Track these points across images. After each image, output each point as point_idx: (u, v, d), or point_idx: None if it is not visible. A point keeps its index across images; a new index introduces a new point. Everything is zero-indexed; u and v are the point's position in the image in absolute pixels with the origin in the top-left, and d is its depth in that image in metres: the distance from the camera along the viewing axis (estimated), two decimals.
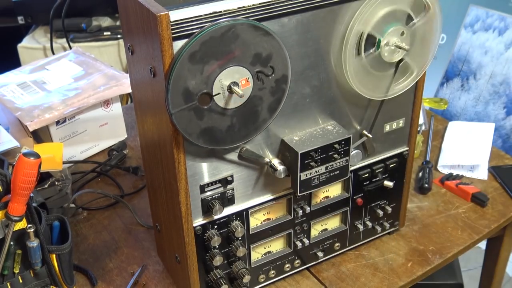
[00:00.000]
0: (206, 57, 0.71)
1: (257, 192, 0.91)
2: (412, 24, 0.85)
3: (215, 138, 0.79)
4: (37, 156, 0.80)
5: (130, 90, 1.29)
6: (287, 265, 1.00)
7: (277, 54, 0.77)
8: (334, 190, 0.99)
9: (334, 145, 0.87)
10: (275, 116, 0.82)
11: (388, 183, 1.03)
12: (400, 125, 0.99)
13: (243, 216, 0.91)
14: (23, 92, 1.35)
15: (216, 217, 0.88)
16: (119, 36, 2.00)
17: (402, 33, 0.85)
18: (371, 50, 0.85)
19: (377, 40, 0.84)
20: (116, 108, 1.40)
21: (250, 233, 0.93)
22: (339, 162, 0.89)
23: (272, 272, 0.99)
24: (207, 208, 0.87)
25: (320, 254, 1.03)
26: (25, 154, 0.79)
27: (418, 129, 1.31)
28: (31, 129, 1.24)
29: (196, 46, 0.70)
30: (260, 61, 0.76)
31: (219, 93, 0.75)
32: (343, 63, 0.84)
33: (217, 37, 0.71)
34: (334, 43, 0.83)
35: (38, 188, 1.13)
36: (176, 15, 0.70)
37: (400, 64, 0.89)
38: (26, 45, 2.01)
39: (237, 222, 0.90)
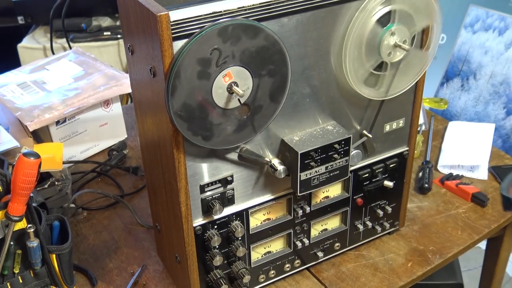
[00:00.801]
0: (206, 57, 0.71)
1: (257, 192, 0.91)
2: (412, 23, 0.85)
3: (215, 138, 0.79)
4: (37, 156, 0.80)
5: (130, 90, 1.29)
6: (287, 265, 1.00)
7: (277, 54, 0.77)
8: (334, 190, 0.99)
9: (334, 145, 0.87)
10: (275, 116, 0.82)
11: (388, 183, 1.03)
12: (400, 125, 0.99)
13: (243, 216, 0.91)
14: (23, 92, 1.35)
15: (216, 217, 0.88)
16: (119, 36, 2.00)
17: (394, 33, 0.85)
18: (371, 52, 0.85)
19: (377, 42, 0.84)
20: (116, 108, 1.40)
21: (250, 233, 0.93)
22: (339, 162, 0.89)
23: (272, 272, 0.99)
24: (207, 208, 0.87)
25: (320, 254, 1.03)
26: (25, 154, 0.79)
27: (418, 129, 1.31)
28: (31, 129, 1.24)
29: (196, 46, 0.70)
30: (260, 61, 0.76)
31: (219, 89, 0.75)
32: (343, 63, 0.84)
33: (217, 37, 0.71)
34: (334, 43, 0.83)
35: (38, 188, 1.13)
36: (176, 15, 0.70)
37: (401, 64, 0.89)
38: (26, 45, 2.01)
39: (237, 222, 0.90)
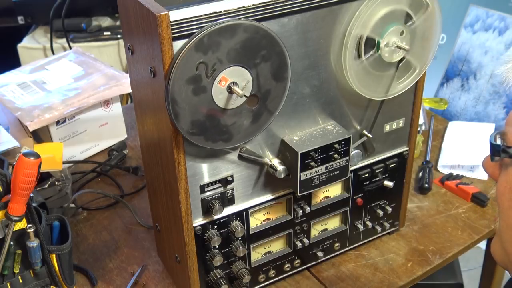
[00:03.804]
0: (205, 57, 0.71)
1: (257, 192, 0.91)
2: (411, 22, 0.85)
3: (215, 138, 0.79)
4: (37, 156, 0.80)
5: (130, 90, 1.28)
6: (287, 265, 1.00)
7: (277, 54, 0.77)
8: (334, 190, 0.99)
9: (334, 145, 0.87)
10: (275, 116, 0.82)
11: (388, 183, 1.03)
12: (400, 125, 0.99)
13: (243, 216, 0.91)
14: (23, 92, 1.35)
15: (216, 217, 0.88)
16: (119, 36, 2.00)
17: (402, 33, 0.85)
18: (371, 52, 0.85)
19: (376, 42, 0.84)
20: (116, 108, 1.40)
21: (250, 233, 0.93)
22: (339, 162, 0.89)
23: (272, 272, 0.99)
24: (207, 208, 0.87)
25: (320, 254, 1.03)
26: (25, 154, 0.79)
27: (418, 129, 1.31)
28: (31, 129, 1.24)
29: (196, 46, 0.70)
30: (260, 61, 0.76)
31: (220, 94, 0.75)
32: (343, 63, 0.84)
33: (217, 37, 0.71)
34: (334, 43, 0.83)
35: (38, 188, 1.13)
36: (176, 15, 0.70)
37: (401, 64, 0.89)
38: (26, 45, 2.01)
39: (237, 222, 0.90)
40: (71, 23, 1.98)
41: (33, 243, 0.85)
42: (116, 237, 1.14)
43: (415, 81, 0.93)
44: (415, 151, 1.30)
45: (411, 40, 0.86)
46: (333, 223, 1.03)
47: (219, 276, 0.93)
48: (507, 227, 0.63)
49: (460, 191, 1.22)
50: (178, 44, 0.71)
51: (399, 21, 0.84)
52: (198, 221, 0.87)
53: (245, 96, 0.77)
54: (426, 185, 1.22)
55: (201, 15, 0.71)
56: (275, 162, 0.87)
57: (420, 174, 1.26)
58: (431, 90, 1.69)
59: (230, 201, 0.89)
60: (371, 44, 0.84)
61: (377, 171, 1.01)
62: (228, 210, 0.89)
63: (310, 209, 0.97)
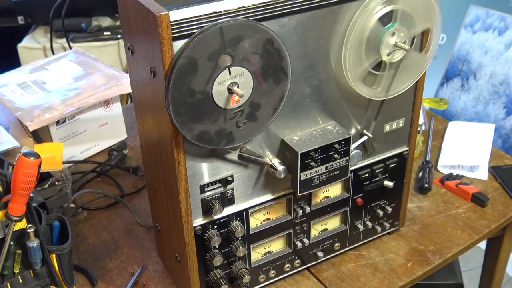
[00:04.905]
0: (206, 57, 0.71)
1: (257, 192, 0.91)
2: (395, 11, 0.85)
3: (215, 138, 0.79)
4: (37, 156, 0.80)
5: (130, 90, 1.29)
6: (287, 265, 1.00)
7: (277, 54, 0.77)
8: (334, 190, 0.99)
9: (334, 145, 0.87)
10: (275, 116, 0.82)
11: (388, 183, 1.03)
12: (400, 125, 0.99)
13: (243, 216, 0.91)
14: (23, 92, 1.35)
15: (216, 217, 0.88)
16: (119, 36, 2.00)
17: (395, 33, 0.85)
18: (373, 55, 0.85)
19: (377, 40, 0.84)
20: (116, 108, 1.40)
21: (250, 233, 0.93)
22: (339, 162, 0.89)
23: (272, 272, 0.99)
24: (207, 208, 0.87)
25: (320, 254, 1.03)
26: (25, 154, 0.79)
27: (418, 129, 1.31)
28: (31, 129, 1.24)
29: (196, 46, 0.70)
30: (260, 61, 0.76)
31: (221, 98, 0.75)
32: (343, 63, 0.84)
33: (217, 37, 0.71)
34: (334, 43, 0.83)
35: (38, 188, 1.13)
36: (176, 15, 0.70)
37: (400, 65, 0.89)
38: (26, 45, 2.02)
39: (237, 222, 0.90)
40: (71, 23, 1.98)
41: (33, 243, 0.85)
42: (116, 237, 1.14)
43: (415, 81, 0.93)
44: (415, 151, 1.30)
45: (408, 24, 0.86)
46: (333, 223, 1.03)
47: (219, 276, 0.93)
48: None
49: (460, 191, 1.22)
50: (178, 44, 0.71)
51: (401, 22, 0.84)
52: (198, 221, 0.87)
53: (245, 96, 0.77)
54: (426, 185, 1.22)
55: (201, 15, 0.71)
56: (275, 162, 0.87)
57: (420, 174, 1.26)
58: (431, 90, 1.69)
59: (230, 201, 0.89)
60: (371, 42, 0.84)
61: (377, 171, 1.01)
62: (228, 210, 0.89)
63: (310, 209, 0.97)
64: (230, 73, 0.74)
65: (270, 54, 0.76)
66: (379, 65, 0.87)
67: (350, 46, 0.83)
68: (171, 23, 0.69)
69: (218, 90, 0.75)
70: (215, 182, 0.86)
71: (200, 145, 0.79)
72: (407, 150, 1.03)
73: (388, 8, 0.83)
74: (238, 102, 0.77)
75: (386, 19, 0.83)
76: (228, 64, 0.74)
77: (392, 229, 1.11)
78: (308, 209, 0.96)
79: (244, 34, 0.73)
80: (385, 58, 0.86)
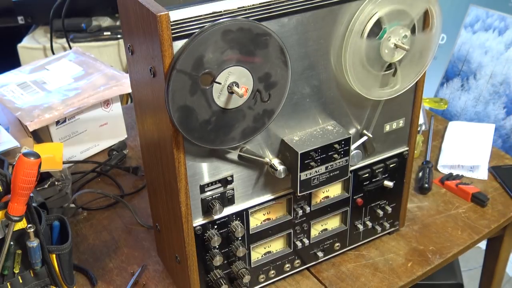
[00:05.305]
0: (205, 57, 0.71)
1: (257, 192, 0.91)
2: (412, 35, 0.85)
3: (215, 138, 0.79)
4: (37, 156, 0.80)
5: (130, 90, 1.29)
6: (287, 265, 1.00)
7: (277, 54, 0.77)
8: (334, 190, 0.99)
9: (334, 145, 0.87)
10: (275, 116, 0.82)
11: (388, 183, 1.03)
12: (400, 125, 0.99)
13: (243, 216, 0.91)
14: (23, 92, 1.35)
15: (216, 217, 0.88)
16: (119, 36, 2.00)
17: (403, 34, 0.85)
18: (379, 63, 0.85)
19: (376, 53, 0.84)
20: (116, 108, 1.40)
21: (250, 233, 0.93)
22: (339, 162, 0.89)
23: (272, 272, 0.99)
24: (207, 208, 0.87)
25: (320, 254, 1.03)
26: (25, 154, 0.79)
27: (418, 129, 1.31)
28: (31, 129, 1.24)
29: (196, 46, 0.70)
30: (260, 61, 0.76)
31: (221, 98, 0.75)
32: (343, 63, 0.84)
33: (217, 37, 0.71)
34: (334, 43, 0.83)
35: (38, 188, 1.13)
36: (176, 15, 0.70)
37: (400, 64, 0.89)
38: (26, 45, 2.01)
39: (237, 222, 0.90)
40: (71, 23, 1.98)
41: (33, 243, 0.85)
42: (116, 237, 1.14)
43: (415, 81, 0.93)
44: (415, 151, 1.30)
45: (411, 45, 0.86)
46: (333, 223, 1.03)
47: (219, 276, 0.93)
48: None
49: (460, 191, 1.22)
50: (178, 44, 0.71)
51: (402, 22, 0.84)
52: (198, 221, 0.87)
53: (245, 96, 0.77)
54: (426, 185, 1.22)
55: (201, 15, 0.71)
56: (275, 162, 0.87)
57: (420, 174, 1.26)
58: (431, 90, 1.69)
59: (230, 201, 0.89)
60: (372, 57, 0.84)
61: (377, 171, 1.01)
62: (228, 210, 0.89)
63: (310, 209, 0.97)
64: (230, 73, 0.74)
65: (270, 54, 0.76)
66: (379, 65, 0.87)
67: (350, 47, 0.83)
68: (171, 23, 0.69)
69: (218, 90, 0.75)
70: (215, 182, 0.86)
71: (200, 145, 0.79)
72: (407, 150, 1.03)
73: (372, 22, 0.82)
74: (238, 102, 0.77)
75: (376, 29, 0.83)
76: (228, 64, 0.74)
77: (392, 229, 1.11)
78: (308, 209, 0.96)
79: (244, 34, 0.73)
80: (385, 57, 0.86)
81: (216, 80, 0.74)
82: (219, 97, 0.75)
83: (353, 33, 0.82)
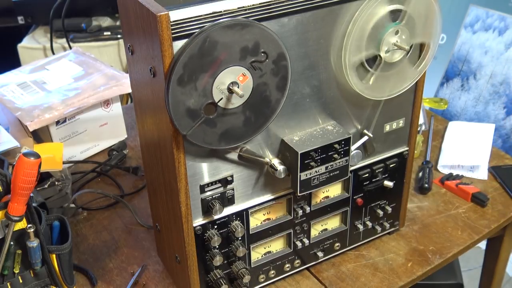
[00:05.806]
0: (206, 57, 0.71)
1: (257, 192, 0.91)
2: (403, 14, 0.85)
3: (215, 138, 0.79)
4: (37, 156, 0.80)
5: (130, 90, 1.29)
6: (287, 265, 1.00)
7: (277, 54, 0.77)
8: (334, 190, 0.99)
9: (334, 145, 0.87)
10: (275, 116, 0.82)
11: (388, 183, 1.03)
12: (400, 125, 0.99)
13: (243, 216, 0.91)
14: (23, 92, 1.35)
15: (216, 217, 0.88)
16: (119, 36, 2.00)
17: (397, 32, 0.84)
18: (372, 46, 0.85)
19: (381, 34, 0.84)
20: (116, 108, 1.40)
21: (250, 233, 0.93)
22: (339, 162, 0.89)
23: (272, 272, 0.99)
24: (207, 208, 0.87)
25: (320, 254, 1.03)
26: (25, 154, 0.79)
27: (418, 129, 1.31)
28: (31, 129, 1.24)
29: (196, 46, 0.70)
30: (260, 61, 0.76)
31: (221, 98, 0.75)
32: (343, 63, 0.84)
33: (217, 37, 0.71)
34: (334, 43, 0.83)
35: (38, 188, 1.13)
36: (176, 15, 0.70)
37: (393, 70, 0.89)
38: (26, 45, 2.02)
39: (237, 222, 0.90)
40: (71, 23, 1.98)
41: (33, 243, 0.85)
42: (116, 237, 1.14)
43: (415, 81, 0.93)
44: (415, 151, 1.30)
45: (410, 30, 0.86)
46: (333, 223, 1.03)
47: (219, 276, 0.93)
48: None
49: (460, 191, 1.22)
50: (178, 44, 0.71)
51: (406, 25, 0.84)
52: (198, 221, 0.87)
53: (245, 96, 0.77)
54: (426, 185, 1.22)
55: (201, 15, 0.71)
56: (275, 162, 0.87)
57: (420, 174, 1.26)
58: (431, 90, 1.69)
59: (230, 201, 0.89)
60: (374, 34, 0.84)
61: (377, 171, 1.01)
62: (228, 210, 0.89)
63: (310, 209, 0.97)
64: (230, 73, 0.74)
65: (270, 54, 0.76)
66: (373, 61, 0.87)
67: (350, 46, 0.83)
68: (171, 23, 0.69)
69: (218, 90, 0.75)
70: (215, 182, 0.86)
71: (200, 145, 0.79)
72: (407, 150, 1.03)
73: (399, 6, 0.82)
74: (238, 102, 0.77)
75: (394, 16, 0.83)
76: (229, 64, 0.74)
77: (392, 229, 1.11)
78: (308, 209, 0.96)
79: (244, 34, 0.73)
80: (382, 54, 0.85)
81: (216, 80, 0.74)
82: (219, 97, 0.75)
83: (353, 33, 0.82)
